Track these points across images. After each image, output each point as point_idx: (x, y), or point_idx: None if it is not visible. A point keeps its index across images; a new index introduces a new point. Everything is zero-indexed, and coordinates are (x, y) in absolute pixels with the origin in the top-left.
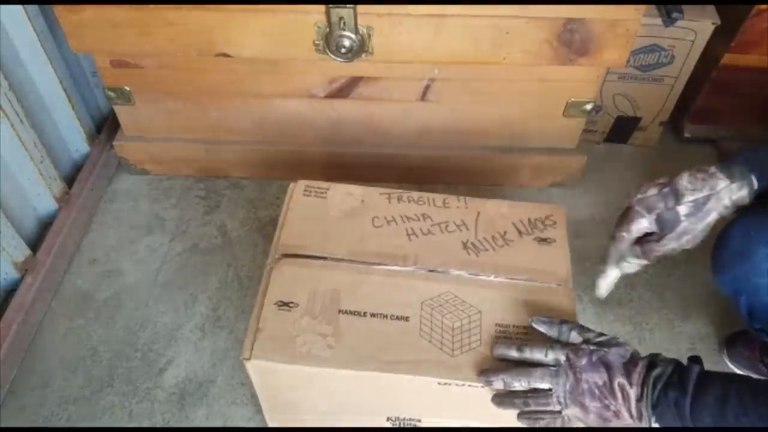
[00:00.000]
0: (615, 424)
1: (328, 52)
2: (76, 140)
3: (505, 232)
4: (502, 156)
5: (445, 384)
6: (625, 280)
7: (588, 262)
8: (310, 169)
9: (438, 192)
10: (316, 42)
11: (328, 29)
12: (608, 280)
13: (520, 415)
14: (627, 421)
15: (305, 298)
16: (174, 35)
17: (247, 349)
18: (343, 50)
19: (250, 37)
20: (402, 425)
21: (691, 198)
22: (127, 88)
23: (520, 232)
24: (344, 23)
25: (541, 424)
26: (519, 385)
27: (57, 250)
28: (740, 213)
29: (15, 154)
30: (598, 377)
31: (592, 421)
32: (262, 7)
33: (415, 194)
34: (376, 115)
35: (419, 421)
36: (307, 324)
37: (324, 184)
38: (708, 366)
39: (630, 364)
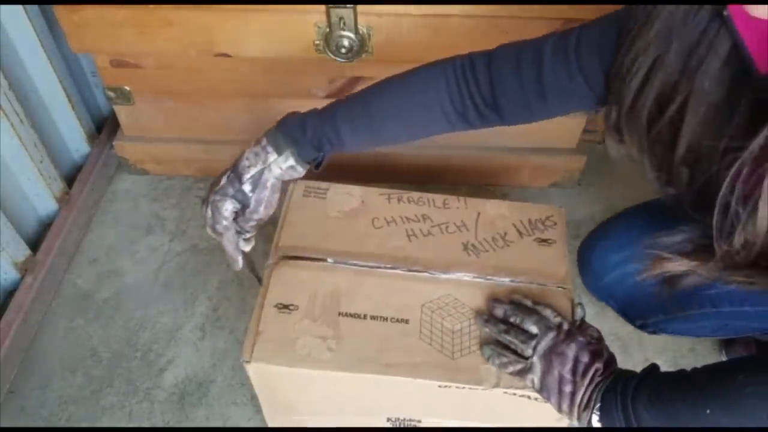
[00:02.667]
0: (564, 405)
1: (328, 52)
2: (76, 140)
3: (505, 233)
4: (502, 156)
5: (446, 386)
6: None
7: None
8: (309, 169)
9: (438, 192)
10: (316, 42)
11: (328, 29)
12: (240, 262)
13: (490, 345)
14: (573, 410)
15: (305, 300)
16: (174, 35)
17: (248, 351)
18: (343, 50)
19: (250, 37)
20: (402, 425)
21: (248, 175)
22: (127, 88)
23: (520, 233)
24: (344, 23)
25: (502, 360)
26: (515, 319)
27: (57, 250)
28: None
29: (15, 154)
30: (582, 354)
31: (546, 385)
32: (262, 7)
33: (415, 195)
34: None
35: (419, 421)
36: (307, 326)
37: (324, 185)
38: None
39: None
